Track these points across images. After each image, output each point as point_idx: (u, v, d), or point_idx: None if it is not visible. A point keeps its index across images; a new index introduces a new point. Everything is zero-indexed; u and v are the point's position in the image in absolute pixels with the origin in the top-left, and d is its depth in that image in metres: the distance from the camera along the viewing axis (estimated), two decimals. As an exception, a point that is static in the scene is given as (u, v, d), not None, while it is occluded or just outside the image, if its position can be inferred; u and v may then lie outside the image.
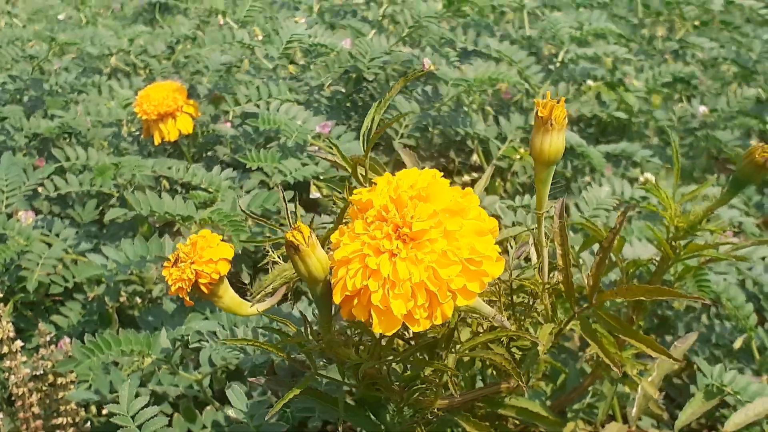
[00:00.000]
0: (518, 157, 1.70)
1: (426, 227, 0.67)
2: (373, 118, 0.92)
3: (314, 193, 1.51)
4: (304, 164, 1.54)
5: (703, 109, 1.82)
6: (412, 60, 1.74)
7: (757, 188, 1.78)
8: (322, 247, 0.77)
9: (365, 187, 0.87)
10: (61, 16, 2.87)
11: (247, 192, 1.58)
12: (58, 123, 1.89)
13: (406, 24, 1.77)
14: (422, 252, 0.66)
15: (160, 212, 1.34)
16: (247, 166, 1.52)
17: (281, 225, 0.97)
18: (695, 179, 1.80)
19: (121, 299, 1.67)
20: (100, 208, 1.82)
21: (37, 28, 2.62)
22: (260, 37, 1.81)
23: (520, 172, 1.78)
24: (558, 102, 0.87)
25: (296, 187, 1.56)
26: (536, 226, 0.93)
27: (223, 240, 0.87)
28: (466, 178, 1.85)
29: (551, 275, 0.91)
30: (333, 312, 0.82)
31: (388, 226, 0.68)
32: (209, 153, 1.95)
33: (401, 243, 0.67)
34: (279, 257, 0.88)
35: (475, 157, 1.74)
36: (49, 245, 1.62)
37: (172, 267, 0.86)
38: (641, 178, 1.70)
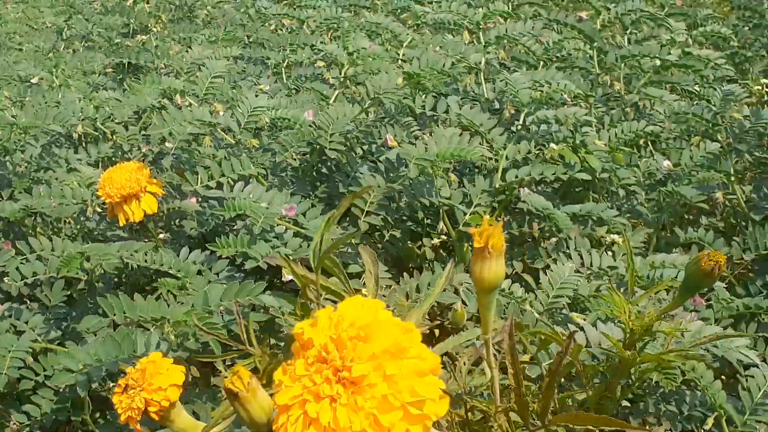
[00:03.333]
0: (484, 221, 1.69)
1: (366, 371, 0.66)
2: (322, 236, 0.91)
3: (286, 276, 1.50)
4: (274, 246, 1.53)
5: (667, 163, 1.82)
6: (373, 132, 1.74)
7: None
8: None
9: (316, 306, 0.87)
10: (34, 80, 2.85)
11: (216, 274, 1.57)
12: (21, 206, 1.88)
13: (368, 95, 1.78)
14: (363, 397, 0.66)
15: (133, 317, 1.34)
16: (218, 254, 1.51)
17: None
18: (660, 237, 1.81)
19: (94, 384, 1.66)
20: (68, 291, 1.81)
21: (7, 95, 2.61)
22: (221, 113, 1.81)
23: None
24: (494, 228, 0.86)
25: (268, 270, 1.55)
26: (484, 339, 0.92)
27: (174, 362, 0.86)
28: (435, 240, 1.84)
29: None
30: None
31: (328, 369, 0.67)
32: (175, 226, 1.95)
33: (341, 387, 0.66)
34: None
35: (441, 224, 1.74)
36: (19, 334, 1.61)
37: (122, 394, 0.86)
38: (608, 239, 1.71)
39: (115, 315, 1.36)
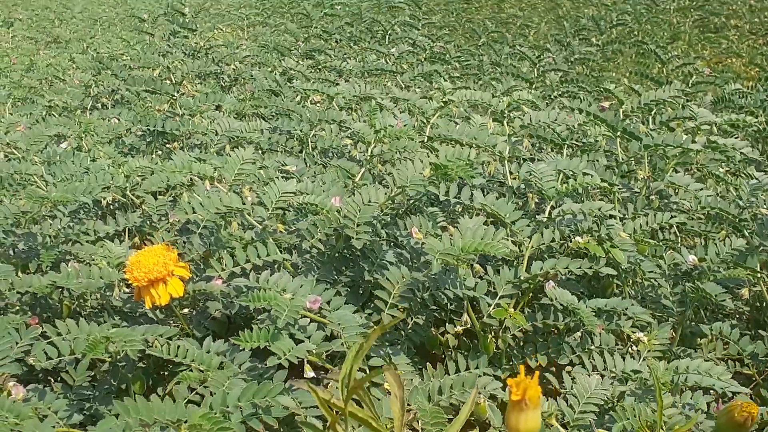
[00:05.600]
0: (509, 315, 1.70)
1: None
2: (351, 368, 0.91)
3: (308, 372, 1.51)
4: (297, 341, 1.54)
5: (692, 258, 1.82)
6: (398, 222, 1.76)
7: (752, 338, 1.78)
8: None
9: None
10: (64, 144, 2.89)
11: (239, 366, 1.58)
12: (49, 281, 1.90)
13: (394, 184, 1.79)
14: None
15: (149, 419, 1.34)
16: (241, 348, 1.51)
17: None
18: (686, 327, 1.80)
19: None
20: (92, 372, 1.82)
21: (36, 160, 2.64)
22: (250, 199, 1.83)
23: (512, 327, 1.78)
24: (531, 380, 0.87)
25: (290, 368, 1.55)
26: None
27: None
28: (458, 328, 1.84)
29: None
30: None
31: None
32: (200, 305, 1.96)
33: None
34: None
35: (465, 316, 1.74)
36: (42, 418, 1.62)
37: None
38: (633, 337, 1.70)
39: (131, 416, 1.35)
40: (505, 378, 1.76)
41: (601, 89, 3.12)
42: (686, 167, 2.32)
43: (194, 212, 1.75)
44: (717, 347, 1.86)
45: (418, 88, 3.90)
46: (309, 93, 2.77)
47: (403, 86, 3.96)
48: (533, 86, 3.76)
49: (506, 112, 2.00)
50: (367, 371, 1.51)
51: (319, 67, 4.14)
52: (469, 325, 1.78)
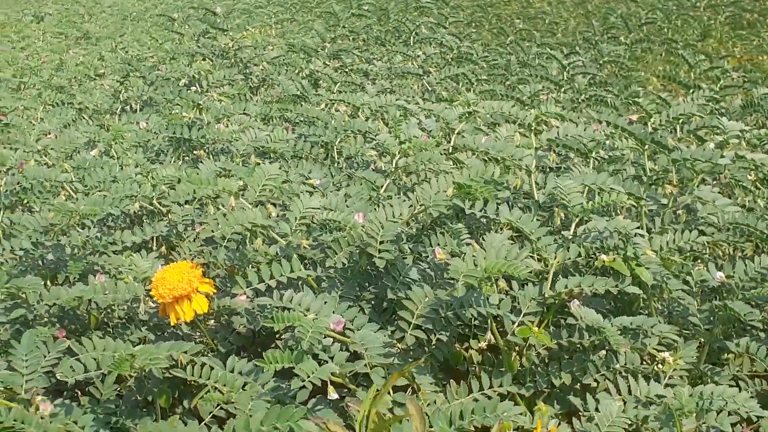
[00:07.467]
0: (533, 334, 1.69)
1: None
2: (369, 410, 0.92)
3: (332, 394, 1.51)
4: (320, 362, 1.54)
5: (720, 275, 1.80)
6: (422, 239, 1.75)
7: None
8: None
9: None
10: (93, 152, 2.91)
11: (262, 385, 1.59)
12: (76, 294, 1.92)
13: (417, 201, 1.79)
14: None
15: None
16: (264, 369, 1.52)
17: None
18: (712, 349, 1.78)
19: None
20: (119, 386, 1.84)
21: (66, 167, 2.67)
22: (274, 214, 1.84)
23: (537, 345, 1.78)
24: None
25: (313, 391, 1.55)
26: None
27: None
28: (482, 344, 1.83)
29: None
30: None
31: None
32: (224, 321, 1.97)
33: None
34: None
35: (489, 334, 1.73)
36: (68, 434, 1.64)
37: None
38: (658, 356, 1.69)
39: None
40: (529, 396, 1.76)
41: (629, 100, 3.09)
42: (714, 177, 2.29)
43: (219, 227, 1.76)
44: (744, 363, 1.84)
45: (445, 90, 3.89)
46: (334, 101, 2.77)
47: (429, 88, 3.96)
48: (562, 89, 3.74)
49: (533, 125, 1.99)
50: (391, 393, 1.51)
51: (346, 69, 4.15)
52: (493, 342, 1.77)
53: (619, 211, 2.07)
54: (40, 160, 2.94)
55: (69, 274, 2.11)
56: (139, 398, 1.86)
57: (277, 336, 1.89)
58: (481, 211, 1.85)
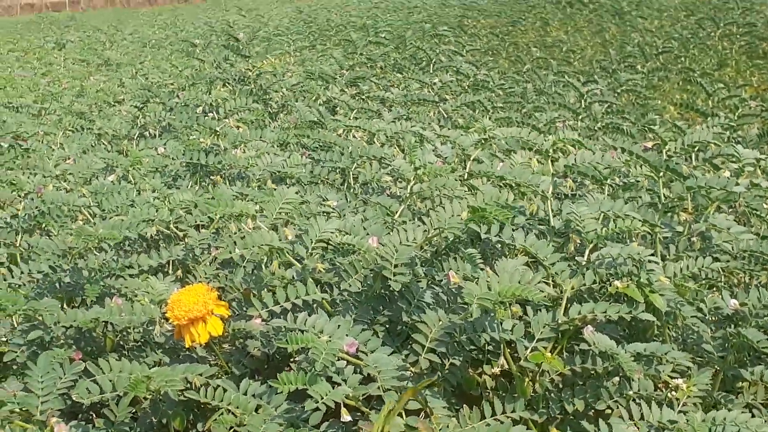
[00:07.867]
0: (546, 360, 1.69)
1: None
2: (382, 429, 0.92)
3: (345, 417, 1.51)
4: (334, 384, 1.55)
5: (734, 302, 1.80)
6: (436, 263, 1.77)
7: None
8: None
9: None
10: (111, 177, 2.94)
11: (275, 408, 1.59)
12: (93, 316, 1.93)
13: (431, 224, 1.80)
14: None
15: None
16: (279, 390, 1.53)
17: None
18: (726, 376, 1.78)
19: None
20: (134, 408, 1.85)
21: (84, 192, 2.70)
22: (290, 237, 1.85)
23: (550, 371, 1.78)
24: None
25: (326, 414, 1.56)
26: None
27: None
28: (495, 369, 1.83)
29: None
30: None
31: None
32: (239, 344, 1.98)
33: None
34: None
35: (502, 360, 1.73)
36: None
37: None
38: (671, 383, 1.69)
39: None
40: (542, 422, 1.75)
41: (645, 127, 3.10)
42: (729, 205, 2.29)
43: (236, 248, 1.78)
44: (759, 391, 1.83)
45: (461, 117, 3.91)
46: (351, 128, 2.80)
47: (446, 116, 3.98)
48: (579, 117, 3.75)
49: (550, 151, 2.00)
50: (404, 416, 1.51)
51: (363, 96, 4.18)
52: (506, 367, 1.77)
53: (633, 238, 2.07)
54: (59, 185, 2.98)
55: (86, 297, 2.13)
56: (154, 420, 1.87)
57: (291, 359, 1.90)
58: (496, 236, 1.85)
